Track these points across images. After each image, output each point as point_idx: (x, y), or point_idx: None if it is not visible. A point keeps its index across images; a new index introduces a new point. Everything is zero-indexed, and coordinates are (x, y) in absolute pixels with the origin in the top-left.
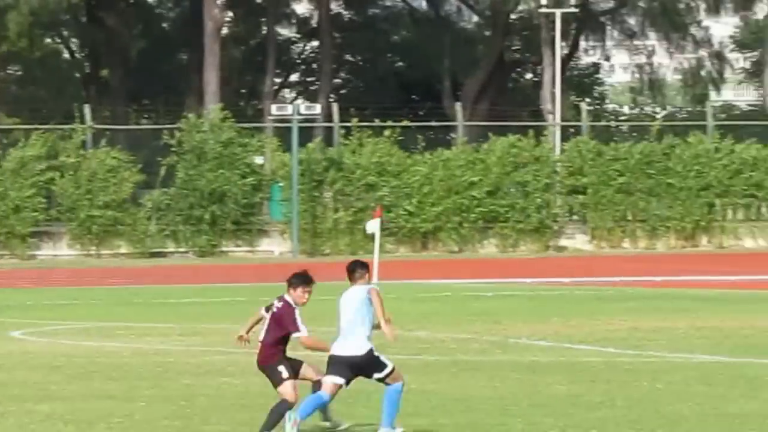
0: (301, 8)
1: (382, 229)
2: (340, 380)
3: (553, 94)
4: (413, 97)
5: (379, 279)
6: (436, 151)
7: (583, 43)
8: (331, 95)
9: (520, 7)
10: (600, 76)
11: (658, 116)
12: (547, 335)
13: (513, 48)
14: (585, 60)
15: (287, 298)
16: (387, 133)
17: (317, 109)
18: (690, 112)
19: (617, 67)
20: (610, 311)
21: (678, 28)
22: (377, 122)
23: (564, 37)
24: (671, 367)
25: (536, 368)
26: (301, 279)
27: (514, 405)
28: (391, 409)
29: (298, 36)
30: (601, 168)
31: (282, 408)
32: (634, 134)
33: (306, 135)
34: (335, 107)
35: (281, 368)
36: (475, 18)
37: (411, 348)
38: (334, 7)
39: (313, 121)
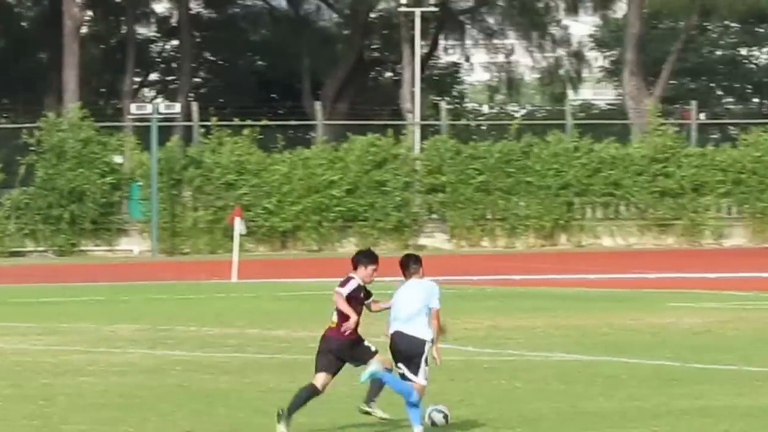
0: (161, 7)
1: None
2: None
3: (412, 93)
4: (273, 96)
5: (238, 278)
6: (295, 150)
7: (442, 42)
8: (191, 94)
9: (380, 6)
10: (459, 75)
11: (517, 115)
12: None
13: (373, 47)
14: (445, 59)
15: (354, 276)
16: (246, 132)
17: (177, 108)
18: (549, 111)
19: (477, 66)
20: (469, 310)
21: (537, 28)
22: (237, 121)
23: (424, 36)
24: (530, 366)
25: None
26: (370, 257)
27: None
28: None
29: (158, 35)
30: (459, 167)
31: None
32: (493, 133)
33: (165, 134)
34: (195, 106)
35: (368, 343)
36: (335, 17)
37: (270, 347)
38: (194, 7)
39: (172, 120)
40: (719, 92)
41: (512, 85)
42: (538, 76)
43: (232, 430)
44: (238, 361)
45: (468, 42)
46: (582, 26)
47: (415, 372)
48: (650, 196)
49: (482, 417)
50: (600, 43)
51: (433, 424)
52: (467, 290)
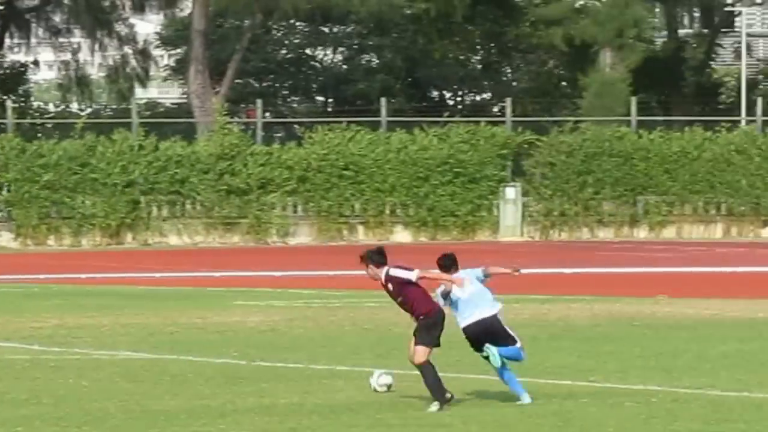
0: None
1: None
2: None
3: None
4: None
5: None
6: None
7: (8, 41)
8: None
9: None
10: (26, 73)
11: (83, 114)
12: None
13: None
14: (11, 58)
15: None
16: None
17: None
18: (115, 110)
19: (43, 64)
20: (35, 308)
21: (103, 26)
22: None
23: None
24: (96, 364)
25: None
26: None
27: None
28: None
29: None
30: (25, 165)
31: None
32: (57, 133)
33: None
34: None
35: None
36: None
37: None
38: None
39: None
40: (285, 91)
41: (80, 83)
42: (104, 74)
43: None
44: None
45: (34, 40)
46: (148, 24)
47: (513, 340)
48: (216, 195)
49: (49, 415)
50: (166, 42)
51: (375, 390)
52: (33, 289)
